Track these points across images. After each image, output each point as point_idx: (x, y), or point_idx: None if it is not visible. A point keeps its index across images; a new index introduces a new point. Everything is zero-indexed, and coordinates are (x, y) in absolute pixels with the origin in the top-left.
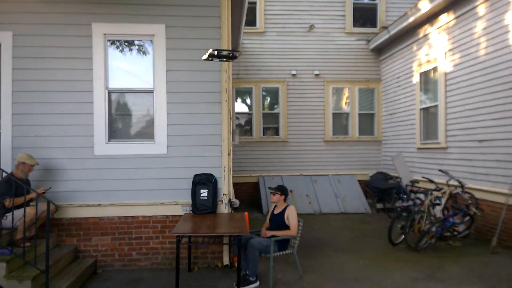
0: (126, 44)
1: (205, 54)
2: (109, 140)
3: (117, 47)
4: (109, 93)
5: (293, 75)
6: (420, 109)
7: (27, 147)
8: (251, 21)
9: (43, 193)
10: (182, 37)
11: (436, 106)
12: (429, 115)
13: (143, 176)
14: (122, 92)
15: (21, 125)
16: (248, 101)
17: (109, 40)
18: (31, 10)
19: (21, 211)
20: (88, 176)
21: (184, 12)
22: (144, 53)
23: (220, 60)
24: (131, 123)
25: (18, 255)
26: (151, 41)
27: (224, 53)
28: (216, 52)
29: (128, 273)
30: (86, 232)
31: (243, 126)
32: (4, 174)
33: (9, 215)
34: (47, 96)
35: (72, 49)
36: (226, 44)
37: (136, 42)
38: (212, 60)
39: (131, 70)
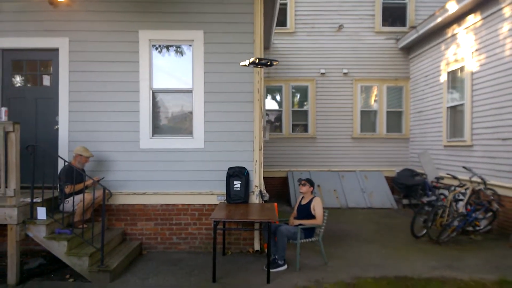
0: (168, 48)
1: (244, 60)
2: (152, 135)
3: (160, 51)
4: (153, 93)
5: (322, 73)
6: (447, 107)
7: (82, 140)
8: (282, 22)
9: (98, 181)
10: (219, 42)
11: (462, 104)
12: (456, 113)
13: (182, 168)
14: (164, 92)
15: (76, 121)
16: (278, 98)
17: (153, 45)
18: (85, 19)
19: (79, 196)
20: (135, 167)
21: (220, 19)
22: (184, 56)
23: (260, 67)
24: (172, 120)
25: (77, 235)
26: (191, 45)
27: (263, 61)
28: (257, 60)
29: (169, 255)
30: (133, 217)
31: (273, 123)
32: (63, 164)
33: (69, 200)
34: (99, 95)
35: (121, 53)
36: (258, 48)
37: (177, 47)
38: (252, 66)
39: (173, 72)
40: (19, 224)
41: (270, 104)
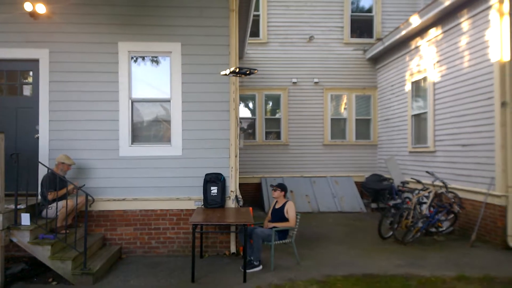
0: (147, 59)
1: (220, 70)
2: (132, 143)
3: (140, 62)
4: (132, 102)
5: (294, 83)
6: (412, 115)
7: (62, 149)
8: (255, 32)
9: (80, 188)
10: (195, 54)
11: (426, 113)
12: (420, 121)
13: (161, 175)
14: (143, 101)
15: (56, 130)
16: (252, 106)
17: (132, 57)
18: (66, 30)
19: (61, 203)
20: (114, 175)
21: (197, 32)
22: (163, 67)
23: (239, 76)
24: (151, 128)
25: (60, 240)
26: (169, 57)
27: (243, 70)
28: (237, 69)
29: (149, 259)
30: (112, 223)
31: (247, 130)
32: (46, 171)
33: (52, 206)
34: (79, 105)
35: (100, 64)
36: (233, 59)
37: (155, 58)
38: (232, 75)
39: (151, 82)
40: (3, 230)
41: (244, 112)
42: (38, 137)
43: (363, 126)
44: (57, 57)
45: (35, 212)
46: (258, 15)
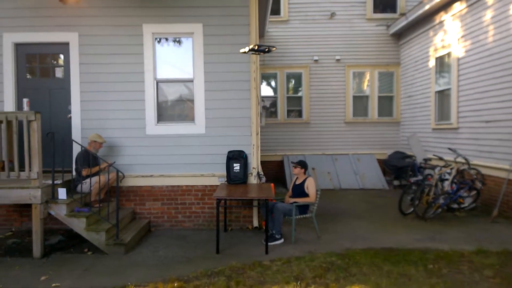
0: (170, 40)
1: (243, 48)
2: (157, 122)
3: (163, 44)
4: (157, 82)
5: (315, 60)
6: (435, 92)
7: (94, 128)
8: (276, 10)
9: (111, 164)
10: (217, 34)
11: (449, 89)
12: (443, 97)
13: (186, 152)
14: (167, 81)
15: (87, 110)
16: (273, 85)
17: (156, 38)
18: (93, 14)
19: (95, 178)
20: (142, 152)
21: (218, 12)
22: (185, 48)
23: (258, 54)
24: (175, 108)
25: (94, 213)
26: (191, 37)
27: (262, 48)
28: (256, 47)
29: (176, 232)
30: (141, 198)
31: (269, 109)
32: (80, 149)
33: (86, 182)
34: (107, 86)
35: (126, 46)
36: (254, 38)
37: (178, 39)
38: (251, 53)
39: (175, 62)
40: (42, 204)
41: (266, 90)
42: (70, 117)
43: (386, 103)
44: (86, 40)
45: (71, 187)
46: None
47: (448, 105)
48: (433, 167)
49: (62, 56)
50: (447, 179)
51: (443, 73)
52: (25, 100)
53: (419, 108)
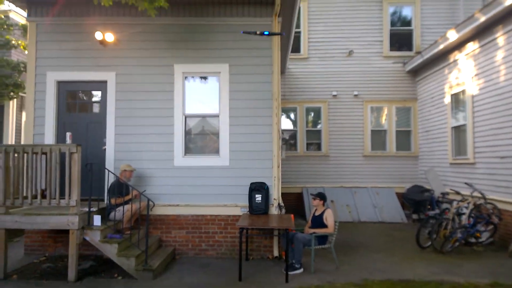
0: (199, 79)
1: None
2: (185, 154)
3: (192, 82)
4: (185, 117)
5: (334, 95)
6: (452, 127)
7: (126, 159)
8: (296, 48)
9: (141, 193)
10: (242, 73)
11: (465, 125)
12: (459, 133)
13: (210, 183)
14: (195, 116)
15: (121, 143)
16: (293, 118)
17: (186, 77)
18: (130, 55)
19: (127, 206)
20: (169, 182)
21: (243, 53)
22: (212, 85)
23: (270, 35)
24: (201, 141)
25: (125, 239)
26: (218, 76)
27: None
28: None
29: (199, 260)
30: (167, 226)
31: (288, 141)
32: (113, 178)
33: (119, 210)
34: (140, 120)
35: (158, 84)
36: (276, 77)
37: (206, 77)
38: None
39: (202, 99)
40: (79, 229)
41: (286, 124)
42: (105, 149)
43: (404, 138)
44: (122, 79)
45: (104, 214)
46: (299, 32)
47: (465, 140)
48: (450, 201)
49: (99, 93)
50: (464, 213)
51: (458, 109)
52: (68, 134)
53: (437, 143)
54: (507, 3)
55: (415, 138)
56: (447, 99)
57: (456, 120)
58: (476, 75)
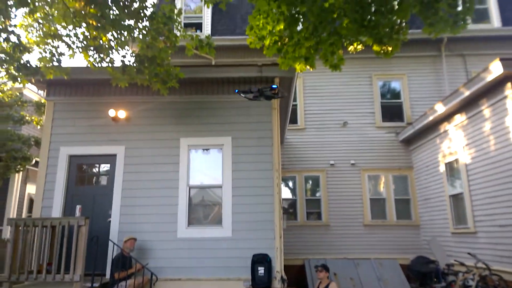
0: (203, 151)
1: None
2: (188, 226)
3: (196, 154)
4: (190, 188)
5: (332, 164)
6: (450, 195)
7: (130, 231)
8: (293, 120)
9: (143, 267)
10: (244, 145)
11: (462, 193)
12: (458, 201)
13: (213, 255)
14: (199, 187)
15: (126, 214)
16: (292, 187)
17: (190, 149)
18: (138, 130)
19: (130, 281)
20: (172, 255)
21: (245, 127)
22: (215, 157)
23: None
24: (205, 211)
25: None
26: (221, 148)
27: (267, 92)
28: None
29: None
30: None
31: (288, 210)
32: (115, 250)
33: (122, 284)
34: (145, 192)
35: (165, 156)
36: (276, 148)
37: (210, 150)
38: (255, 99)
39: (205, 170)
40: None
41: (285, 192)
42: (110, 221)
43: (403, 206)
44: (131, 152)
45: None
46: (296, 105)
47: (463, 209)
48: (455, 273)
49: (108, 166)
50: (470, 286)
51: (454, 177)
52: (78, 207)
53: (437, 212)
54: (488, 79)
55: (414, 206)
56: (442, 168)
57: (453, 188)
58: (467, 145)
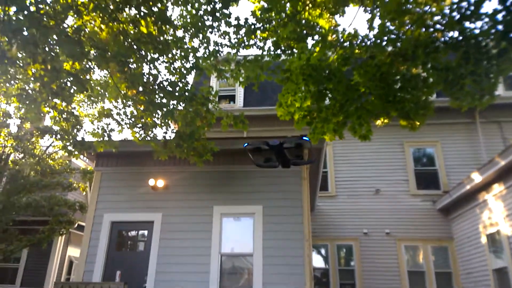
0: (235, 219)
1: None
2: None
3: (228, 222)
4: (221, 256)
5: (365, 233)
6: (493, 270)
7: None
8: (324, 186)
9: None
10: (274, 214)
11: (506, 267)
12: (502, 275)
13: None
14: (230, 255)
15: (160, 280)
16: (324, 255)
17: (223, 217)
18: (174, 198)
19: None
20: None
21: (276, 196)
22: (247, 225)
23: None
24: (235, 280)
25: None
26: (252, 217)
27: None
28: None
29: None
30: None
31: (321, 279)
32: None
33: None
34: (179, 258)
35: (198, 224)
36: (306, 218)
37: (242, 218)
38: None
39: (237, 238)
40: None
41: (317, 261)
42: (145, 287)
43: (445, 280)
44: (167, 219)
45: None
46: (326, 172)
47: (508, 285)
48: None
49: (146, 232)
50: None
51: (496, 250)
52: (118, 272)
53: (480, 287)
54: None
55: (457, 281)
56: (483, 239)
57: (497, 262)
58: (507, 215)
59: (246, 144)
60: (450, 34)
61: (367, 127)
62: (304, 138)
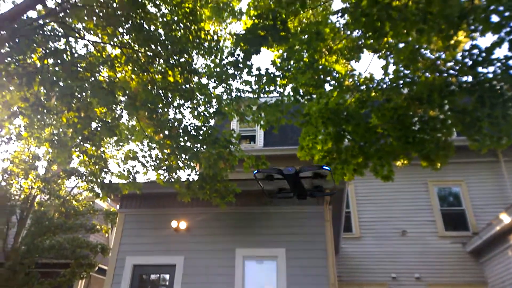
0: (257, 262)
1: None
2: None
3: (250, 265)
4: None
5: (394, 278)
6: None
7: None
8: (348, 227)
9: None
10: (298, 257)
11: None
12: None
13: None
14: None
15: None
16: None
17: (245, 260)
18: (197, 240)
19: None
20: None
21: (299, 238)
22: (270, 268)
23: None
24: None
25: None
26: (275, 260)
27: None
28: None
29: None
30: None
31: None
32: None
33: None
34: None
35: (221, 267)
36: (331, 260)
37: (264, 261)
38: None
39: (259, 281)
40: None
41: None
42: None
43: None
44: (189, 262)
45: None
46: (349, 212)
47: None
48: None
49: (167, 276)
50: None
51: None
52: None
53: None
54: None
55: None
56: None
57: None
58: None
59: (256, 172)
60: (464, 78)
61: (389, 167)
62: (324, 167)
